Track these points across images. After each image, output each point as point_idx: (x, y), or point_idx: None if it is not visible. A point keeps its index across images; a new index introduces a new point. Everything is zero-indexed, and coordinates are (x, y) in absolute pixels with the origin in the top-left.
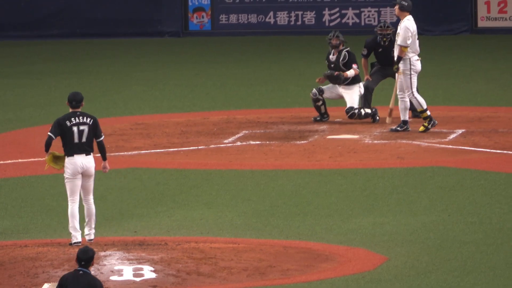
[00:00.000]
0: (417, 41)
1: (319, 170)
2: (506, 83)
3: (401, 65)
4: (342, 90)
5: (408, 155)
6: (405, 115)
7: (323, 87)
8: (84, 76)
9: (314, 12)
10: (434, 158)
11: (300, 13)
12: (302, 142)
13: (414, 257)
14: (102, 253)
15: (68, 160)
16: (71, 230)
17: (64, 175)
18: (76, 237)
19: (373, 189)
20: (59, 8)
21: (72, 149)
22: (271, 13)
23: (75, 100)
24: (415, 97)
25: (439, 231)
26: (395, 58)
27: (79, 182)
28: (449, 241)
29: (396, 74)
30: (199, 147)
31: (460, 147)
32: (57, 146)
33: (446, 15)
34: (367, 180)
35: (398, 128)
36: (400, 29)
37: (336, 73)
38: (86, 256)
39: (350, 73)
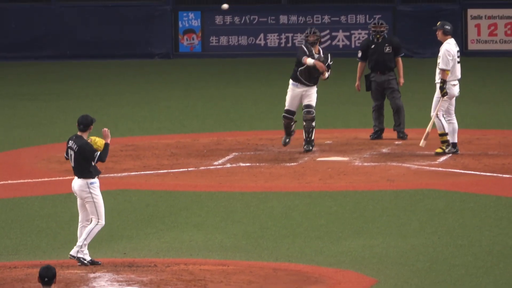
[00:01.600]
0: (457, 65)
1: (309, 192)
2: (496, 106)
3: (437, 87)
4: (302, 92)
5: (398, 177)
6: (454, 138)
7: (287, 104)
8: (74, 97)
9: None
10: (424, 181)
11: (290, 35)
12: (292, 164)
13: (404, 280)
14: (92, 275)
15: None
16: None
17: None
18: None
19: (362, 211)
20: (49, 30)
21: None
22: (262, 35)
23: (82, 124)
24: (439, 119)
25: (428, 254)
26: (437, 80)
27: (78, 202)
28: (438, 263)
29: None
30: (189, 169)
31: (450, 169)
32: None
33: (436, 38)
34: (357, 202)
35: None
36: (441, 52)
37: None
38: (49, 273)
39: (327, 75)
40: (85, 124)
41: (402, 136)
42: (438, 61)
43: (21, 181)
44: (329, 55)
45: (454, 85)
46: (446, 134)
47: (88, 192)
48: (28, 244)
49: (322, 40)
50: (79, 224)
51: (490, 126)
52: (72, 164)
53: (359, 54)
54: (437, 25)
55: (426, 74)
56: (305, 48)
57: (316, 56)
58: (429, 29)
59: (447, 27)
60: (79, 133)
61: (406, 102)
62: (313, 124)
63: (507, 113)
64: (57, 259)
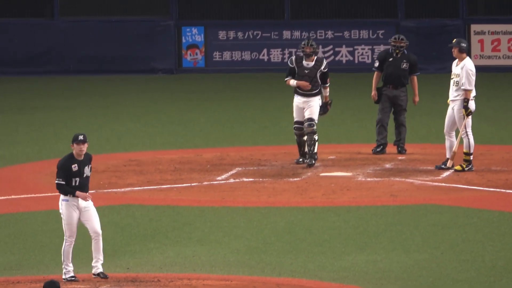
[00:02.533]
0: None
1: (312, 208)
2: (499, 121)
3: (456, 105)
4: (304, 103)
5: (401, 192)
6: (448, 153)
7: (295, 116)
8: (77, 112)
9: None
10: (427, 196)
11: (293, 50)
12: (295, 179)
13: None
14: None
15: None
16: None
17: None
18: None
19: (366, 227)
20: (52, 45)
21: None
22: (265, 50)
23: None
24: (468, 137)
25: (432, 269)
26: (456, 97)
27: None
28: (442, 279)
29: (463, 115)
30: (192, 184)
31: (453, 185)
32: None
33: (439, 53)
34: (360, 218)
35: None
36: (463, 71)
37: (328, 101)
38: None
39: (326, 92)
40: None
41: (400, 150)
42: (454, 79)
43: (25, 196)
44: (324, 61)
45: (472, 99)
46: (471, 154)
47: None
48: (31, 259)
49: (325, 55)
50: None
51: (493, 142)
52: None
53: (376, 64)
54: (453, 42)
55: (430, 90)
56: (293, 61)
57: (306, 64)
58: (433, 45)
59: (463, 44)
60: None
61: (408, 117)
62: (315, 137)
63: (511, 129)
64: (60, 274)
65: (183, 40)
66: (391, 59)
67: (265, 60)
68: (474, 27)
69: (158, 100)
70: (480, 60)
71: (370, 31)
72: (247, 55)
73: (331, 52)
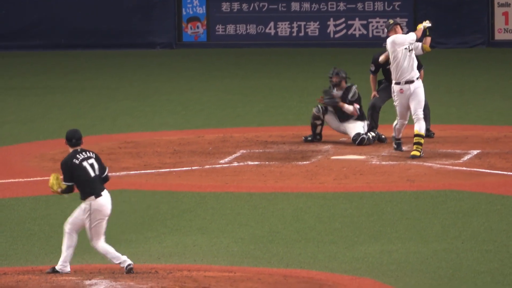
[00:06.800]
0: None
1: (322, 193)
2: None
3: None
4: (345, 125)
5: (419, 177)
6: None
7: (330, 109)
8: (69, 91)
9: (318, 22)
10: (447, 181)
11: (303, 23)
12: (304, 162)
13: None
14: (88, 282)
15: (96, 203)
16: (121, 259)
17: (90, 219)
18: (126, 261)
19: (380, 214)
20: (42, 17)
21: (96, 186)
22: (272, 24)
23: (74, 138)
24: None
25: (451, 260)
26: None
27: (105, 222)
28: (462, 270)
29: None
30: (192, 168)
31: (475, 169)
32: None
33: (460, 27)
34: (374, 205)
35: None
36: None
37: (334, 93)
38: (77, 135)
39: (348, 108)
40: (77, 137)
41: (429, 134)
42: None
43: (12, 180)
44: (352, 88)
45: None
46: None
47: None
48: (18, 249)
49: (337, 29)
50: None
51: None
52: (97, 172)
53: (372, 68)
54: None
55: (450, 67)
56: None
57: (336, 93)
58: (453, 18)
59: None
60: (72, 149)
61: (429, 97)
62: (370, 140)
63: None
64: (50, 264)
65: (184, 12)
66: (388, 67)
67: (272, 34)
68: None
69: (156, 77)
70: (505, 34)
71: (386, 3)
72: (253, 29)
73: (343, 25)
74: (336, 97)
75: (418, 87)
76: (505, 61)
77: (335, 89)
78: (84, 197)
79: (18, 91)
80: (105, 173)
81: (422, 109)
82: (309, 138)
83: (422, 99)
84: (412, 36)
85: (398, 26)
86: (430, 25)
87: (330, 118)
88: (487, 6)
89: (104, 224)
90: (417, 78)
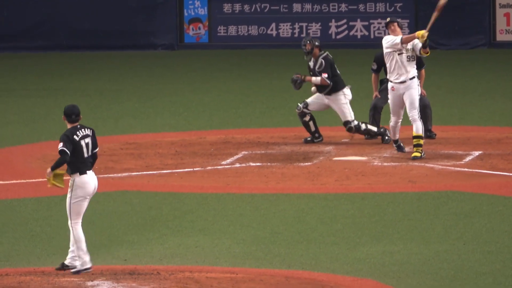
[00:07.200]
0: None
1: (324, 195)
2: None
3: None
4: (327, 101)
5: (421, 178)
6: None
7: (308, 99)
8: (71, 92)
9: (319, 23)
10: (449, 182)
11: (304, 24)
12: (306, 164)
13: None
14: (90, 283)
15: (80, 179)
16: (82, 256)
17: (71, 195)
18: (87, 262)
19: (382, 215)
20: (44, 18)
21: (85, 166)
22: (273, 25)
23: (74, 114)
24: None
25: (453, 261)
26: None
27: (87, 203)
28: (464, 272)
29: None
30: (194, 169)
31: (477, 170)
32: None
33: (462, 28)
34: (376, 206)
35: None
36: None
37: (296, 75)
38: (76, 110)
39: (315, 79)
40: (76, 113)
41: (430, 135)
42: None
43: (14, 181)
44: (320, 58)
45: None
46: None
47: None
48: (21, 250)
49: (339, 30)
50: (80, 225)
51: None
52: (89, 153)
53: (374, 67)
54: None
55: (452, 68)
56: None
57: (311, 65)
58: (454, 19)
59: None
60: (70, 125)
61: (431, 98)
62: (360, 129)
63: None
64: (52, 265)
65: (185, 13)
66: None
67: (274, 35)
68: (500, 0)
69: (158, 78)
70: (506, 35)
71: (387, 4)
72: (254, 30)
73: (345, 26)
74: (299, 78)
75: (411, 88)
76: (507, 62)
77: (311, 58)
78: (71, 172)
79: (21, 92)
80: (95, 150)
81: (416, 110)
82: (309, 139)
83: (414, 100)
84: (397, 39)
85: (395, 24)
86: (427, 34)
87: (313, 104)
88: (488, 7)
89: (85, 204)
90: (411, 78)
